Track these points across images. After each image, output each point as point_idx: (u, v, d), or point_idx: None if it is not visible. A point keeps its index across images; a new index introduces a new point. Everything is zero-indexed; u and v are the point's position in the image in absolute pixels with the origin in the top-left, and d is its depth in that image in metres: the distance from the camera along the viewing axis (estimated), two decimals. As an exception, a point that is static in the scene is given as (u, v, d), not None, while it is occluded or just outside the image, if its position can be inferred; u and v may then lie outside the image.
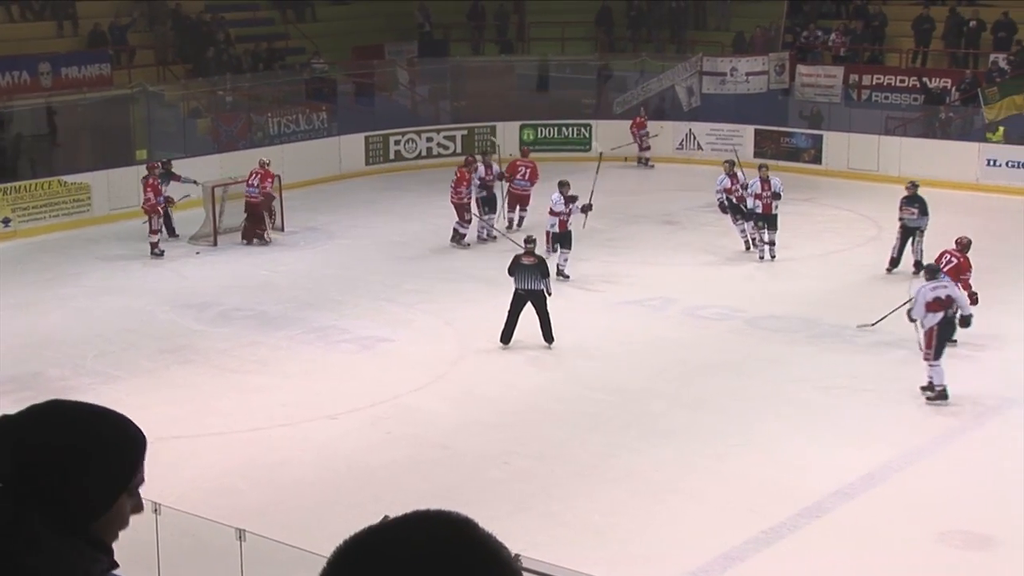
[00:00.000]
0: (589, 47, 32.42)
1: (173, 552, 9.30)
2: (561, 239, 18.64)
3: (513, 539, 1.95)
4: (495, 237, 20.96)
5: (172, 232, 21.38)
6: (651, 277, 18.96)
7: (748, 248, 19.93)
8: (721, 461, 12.16)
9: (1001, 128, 26.00)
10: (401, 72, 30.60)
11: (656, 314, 17.13)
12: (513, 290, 15.61)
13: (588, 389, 14.19)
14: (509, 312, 15.57)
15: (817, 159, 27.35)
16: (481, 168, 21.78)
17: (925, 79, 28.42)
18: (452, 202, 21.11)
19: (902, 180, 25.76)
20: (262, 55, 28.64)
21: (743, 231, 20.11)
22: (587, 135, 29.35)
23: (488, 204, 21.79)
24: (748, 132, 28.70)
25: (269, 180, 21.60)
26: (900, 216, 19.20)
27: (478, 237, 21.35)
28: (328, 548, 1.84)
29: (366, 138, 27.77)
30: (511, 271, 15.73)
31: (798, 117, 29.43)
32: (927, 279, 14.02)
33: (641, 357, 15.37)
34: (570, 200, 18.76)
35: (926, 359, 13.66)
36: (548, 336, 15.57)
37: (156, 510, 8.57)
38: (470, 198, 21.24)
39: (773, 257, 19.34)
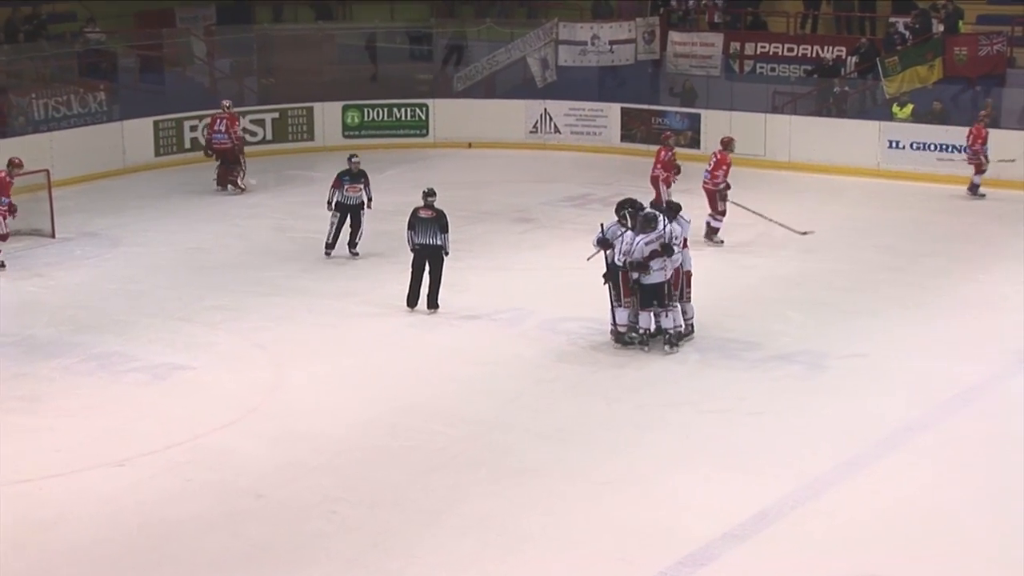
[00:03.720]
0: (424, 12, 32.49)
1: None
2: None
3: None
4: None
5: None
6: (502, 285, 19.05)
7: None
8: (588, 502, 12.24)
9: (910, 104, 26.75)
10: (197, 43, 30.26)
11: (509, 329, 17.21)
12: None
13: (429, 421, 14.16)
14: (411, 272, 17.56)
15: (694, 143, 27.81)
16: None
17: (816, 47, 29.11)
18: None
19: (793, 166, 26.55)
20: (20, 23, 27.96)
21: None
22: (423, 117, 29.42)
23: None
24: (613, 111, 29.07)
25: (236, 123, 25.07)
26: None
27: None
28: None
29: (155, 123, 27.37)
30: (410, 225, 17.59)
31: (671, 94, 29.91)
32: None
33: (492, 381, 15.40)
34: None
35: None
36: (433, 301, 17.50)
37: None
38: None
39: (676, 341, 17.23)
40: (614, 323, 16.40)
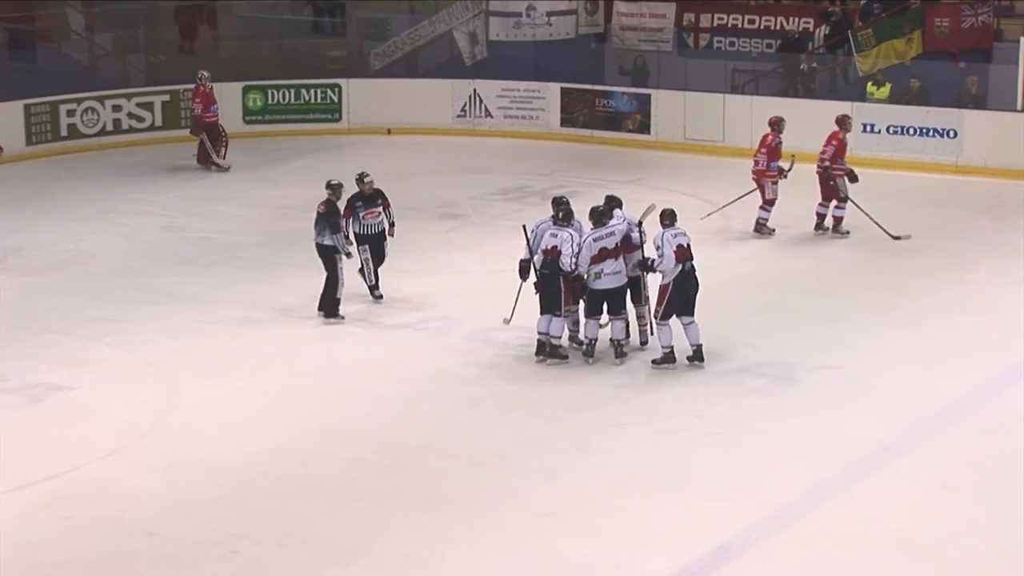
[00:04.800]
0: (336, -21, 32.48)
1: None
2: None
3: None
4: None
5: None
6: (428, 291, 19.05)
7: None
8: (526, 536, 12.26)
9: (888, 84, 26.97)
10: (74, 15, 30.08)
11: (436, 341, 17.24)
12: None
13: (345, 447, 14.14)
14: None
15: (644, 127, 27.95)
16: None
17: (781, 19, 29.29)
18: None
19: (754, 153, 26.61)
20: None
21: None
22: (336, 99, 29.38)
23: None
24: (552, 93, 29.15)
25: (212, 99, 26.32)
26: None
27: None
28: None
29: (26, 107, 27.22)
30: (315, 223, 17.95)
31: (618, 72, 30.02)
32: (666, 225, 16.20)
33: (416, 400, 15.41)
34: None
35: (655, 316, 16.09)
36: (323, 306, 17.79)
37: None
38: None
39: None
40: (544, 333, 16.41)
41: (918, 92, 26.59)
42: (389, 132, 29.26)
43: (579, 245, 15.99)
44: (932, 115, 25.86)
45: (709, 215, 21.68)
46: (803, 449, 13.94)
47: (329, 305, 17.82)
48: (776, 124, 21.65)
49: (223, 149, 26.43)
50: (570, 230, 16.22)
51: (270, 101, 29.27)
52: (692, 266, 16.16)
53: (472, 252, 21.00)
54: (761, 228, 21.46)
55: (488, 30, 29.89)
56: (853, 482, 13.29)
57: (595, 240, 16.05)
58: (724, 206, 21.86)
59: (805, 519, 12.59)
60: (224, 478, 13.46)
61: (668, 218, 16.32)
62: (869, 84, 27.13)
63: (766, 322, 17.70)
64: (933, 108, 26.01)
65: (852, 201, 21.30)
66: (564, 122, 29.03)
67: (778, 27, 29.30)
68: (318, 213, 17.87)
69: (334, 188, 17.97)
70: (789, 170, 21.29)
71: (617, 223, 16.27)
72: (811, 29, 29.02)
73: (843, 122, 21.78)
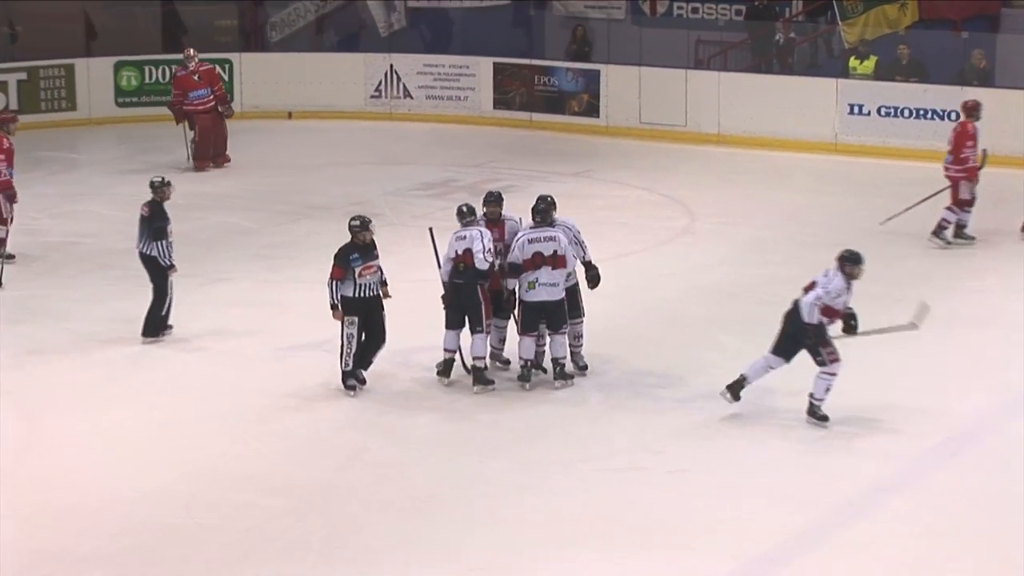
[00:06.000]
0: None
1: None
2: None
3: None
4: None
5: None
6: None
7: None
8: (456, 596, 12.29)
9: (873, 57, 27.11)
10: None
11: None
12: None
13: (238, 490, 14.08)
14: None
15: (592, 110, 28.01)
16: None
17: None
18: None
19: (723, 139, 26.78)
20: None
21: None
22: (226, 78, 29.28)
23: None
24: (483, 69, 29.16)
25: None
26: None
27: None
28: None
29: None
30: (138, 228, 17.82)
31: (566, 53, 29.98)
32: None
33: (323, 434, 15.39)
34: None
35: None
36: (146, 327, 17.74)
37: None
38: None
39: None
40: (453, 350, 16.60)
41: (909, 64, 26.67)
42: (290, 116, 29.25)
43: (492, 241, 16.08)
44: (931, 94, 26.02)
45: (891, 219, 21.70)
46: (782, 489, 13.98)
47: (151, 325, 17.79)
48: (973, 110, 21.44)
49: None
50: (478, 227, 16.29)
51: (147, 80, 29.19)
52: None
53: (389, 259, 20.88)
54: (943, 232, 21.30)
55: (407, -4, 29.96)
56: (841, 527, 13.34)
57: (530, 241, 16.14)
58: (910, 208, 21.83)
59: (785, 571, 12.65)
60: (94, 529, 13.38)
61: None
62: (852, 58, 27.24)
63: (738, 339, 17.72)
64: (931, 85, 26.15)
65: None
66: (497, 104, 29.09)
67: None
68: (141, 217, 17.82)
69: (157, 188, 17.86)
70: (981, 167, 21.29)
71: (559, 232, 16.33)
72: (787, -8, 29.21)
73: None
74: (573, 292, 16.55)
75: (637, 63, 27.91)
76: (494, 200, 16.72)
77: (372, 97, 29.49)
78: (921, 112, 26.02)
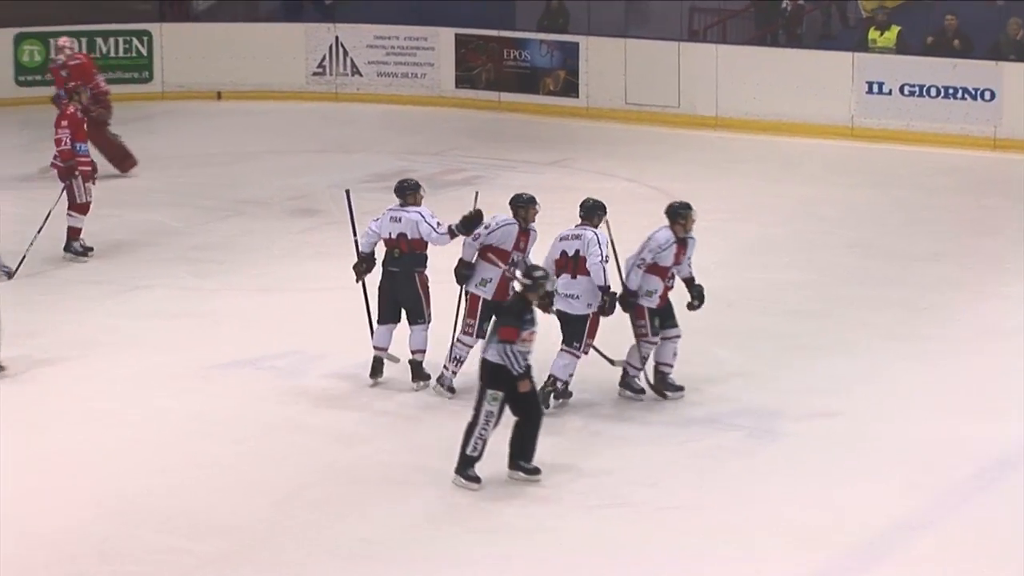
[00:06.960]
0: None
1: None
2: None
3: None
4: None
5: None
6: (274, 315, 19.09)
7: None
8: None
9: (895, 27, 27.13)
10: None
11: (283, 383, 17.28)
12: None
13: (160, 532, 14.03)
14: None
15: (571, 89, 28.06)
16: None
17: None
18: None
19: (722, 123, 26.85)
20: None
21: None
22: (145, 52, 29.29)
23: None
24: (443, 42, 29.20)
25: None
26: None
27: None
28: None
29: None
30: None
31: (539, 26, 29.99)
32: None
33: (260, 467, 15.36)
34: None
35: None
36: None
37: None
38: None
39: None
40: (384, 347, 16.87)
41: (960, 38, 26.52)
42: (219, 96, 29.29)
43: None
44: (961, 70, 26.08)
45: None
46: (791, 526, 13.97)
47: None
48: None
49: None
50: (416, 208, 16.70)
51: (53, 55, 29.11)
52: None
53: (335, 261, 20.83)
54: None
55: (355, -41, 30.03)
56: (859, 571, 13.41)
57: (560, 239, 16.46)
58: None
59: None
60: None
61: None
62: (871, 28, 27.26)
63: (739, 354, 17.81)
64: (962, 60, 26.19)
65: None
66: (461, 82, 29.16)
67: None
68: None
69: None
70: None
71: (589, 232, 16.40)
72: (795, -47, 29.29)
73: None
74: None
75: (622, 35, 27.96)
76: (529, 201, 16.66)
77: (314, 74, 29.54)
78: (950, 91, 26.05)
